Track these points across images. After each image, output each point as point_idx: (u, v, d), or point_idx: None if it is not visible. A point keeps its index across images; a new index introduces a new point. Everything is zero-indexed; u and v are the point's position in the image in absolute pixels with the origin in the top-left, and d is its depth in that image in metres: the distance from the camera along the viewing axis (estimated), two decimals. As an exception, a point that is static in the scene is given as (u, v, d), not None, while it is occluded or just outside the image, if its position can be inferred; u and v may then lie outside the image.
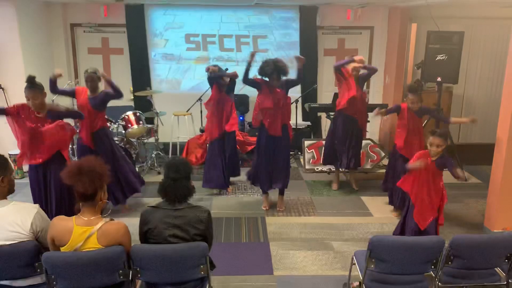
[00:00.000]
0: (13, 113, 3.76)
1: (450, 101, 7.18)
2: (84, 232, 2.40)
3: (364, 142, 6.46)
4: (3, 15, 5.88)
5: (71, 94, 4.68)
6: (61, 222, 2.46)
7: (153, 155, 6.39)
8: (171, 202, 2.65)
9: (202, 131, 6.46)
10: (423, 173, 3.67)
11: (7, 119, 3.80)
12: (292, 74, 4.75)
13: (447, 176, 3.78)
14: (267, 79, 4.65)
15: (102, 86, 4.71)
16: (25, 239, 2.49)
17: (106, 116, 4.87)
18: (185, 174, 2.68)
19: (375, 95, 7.58)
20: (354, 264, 3.15)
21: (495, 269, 3.02)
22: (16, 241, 2.47)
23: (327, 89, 7.56)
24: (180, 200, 2.66)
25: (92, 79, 4.51)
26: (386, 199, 5.07)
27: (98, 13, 7.12)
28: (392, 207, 4.99)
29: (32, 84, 3.71)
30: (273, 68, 4.52)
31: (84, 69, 4.66)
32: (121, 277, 2.51)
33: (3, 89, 6.02)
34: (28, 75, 3.73)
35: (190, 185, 2.71)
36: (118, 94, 4.51)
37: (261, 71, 4.60)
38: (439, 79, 6.01)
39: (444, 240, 2.76)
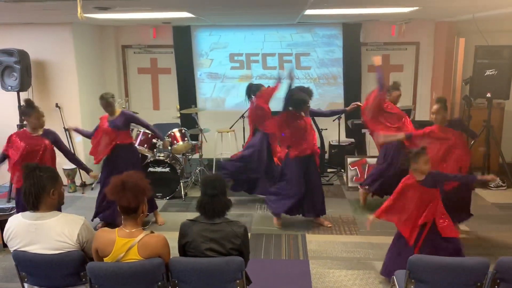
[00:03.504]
0: (9, 149, 3.95)
1: (502, 118, 6.87)
2: (125, 244, 2.49)
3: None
4: (60, 37, 6.29)
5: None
6: (105, 234, 2.57)
7: (197, 171, 6.54)
8: (209, 217, 2.71)
9: (245, 147, 6.53)
10: (410, 200, 3.50)
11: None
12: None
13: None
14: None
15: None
16: (71, 249, 2.61)
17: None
18: (221, 190, 2.75)
19: (421, 112, 7.39)
20: (394, 285, 3.07)
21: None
22: (63, 251, 2.60)
23: (371, 106, 7.45)
24: (219, 214, 2.72)
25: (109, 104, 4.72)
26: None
27: (147, 35, 7.46)
28: None
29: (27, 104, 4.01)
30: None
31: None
32: (160, 288, 2.58)
33: (59, 107, 6.40)
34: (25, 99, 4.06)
35: (227, 200, 2.77)
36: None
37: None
38: (488, 94, 5.81)
39: (488, 261, 2.63)
